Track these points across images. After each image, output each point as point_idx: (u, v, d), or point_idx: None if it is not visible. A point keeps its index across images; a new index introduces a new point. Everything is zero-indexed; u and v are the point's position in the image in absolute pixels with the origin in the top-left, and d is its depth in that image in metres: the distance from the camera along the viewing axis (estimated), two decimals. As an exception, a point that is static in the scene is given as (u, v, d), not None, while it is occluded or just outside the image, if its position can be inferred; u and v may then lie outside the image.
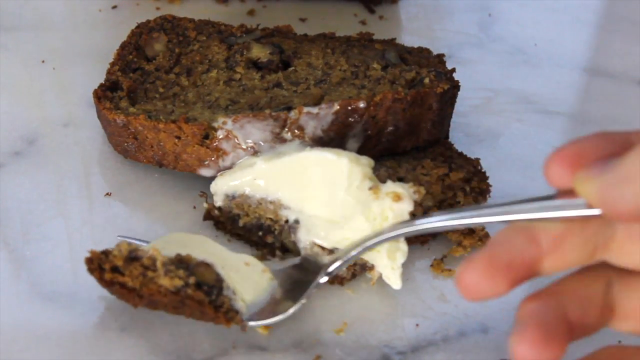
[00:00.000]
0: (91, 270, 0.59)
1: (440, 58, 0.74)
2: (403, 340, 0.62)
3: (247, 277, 0.61)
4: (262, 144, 0.65)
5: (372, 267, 0.63)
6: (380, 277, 0.64)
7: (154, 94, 0.71)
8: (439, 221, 0.56)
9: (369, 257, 0.63)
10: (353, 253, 0.61)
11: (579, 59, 0.86)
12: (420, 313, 0.64)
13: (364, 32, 0.77)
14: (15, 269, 0.65)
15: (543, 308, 0.49)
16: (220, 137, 0.65)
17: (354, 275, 0.65)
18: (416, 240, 0.68)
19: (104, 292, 0.63)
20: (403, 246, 0.62)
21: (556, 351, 0.47)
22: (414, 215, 0.66)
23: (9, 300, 0.63)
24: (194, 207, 0.69)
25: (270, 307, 0.61)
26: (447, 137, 0.72)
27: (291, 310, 0.61)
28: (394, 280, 0.62)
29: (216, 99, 0.69)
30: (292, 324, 0.62)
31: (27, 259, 0.65)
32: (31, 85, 0.78)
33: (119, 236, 0.65)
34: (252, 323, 0.60)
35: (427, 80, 0.69)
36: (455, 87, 0.70)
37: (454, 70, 0.71)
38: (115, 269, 0.58)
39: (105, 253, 0.59)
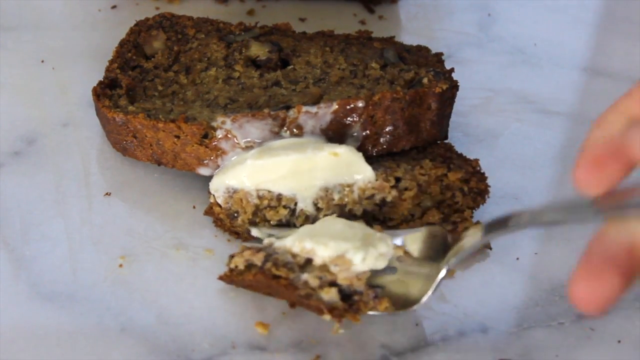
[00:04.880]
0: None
1: (438, 57, 0.74)
2: (402, 340, 0.62)
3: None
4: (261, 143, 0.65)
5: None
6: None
7: (152, 92, 0.71)
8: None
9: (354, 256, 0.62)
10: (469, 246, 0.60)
11: (578, 59, 0.86)
12: (420, 313, 0.64)
13: (363, 30, 0.76)
14: (15, 269, 0.65)
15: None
16: (220, 136, 0.65)
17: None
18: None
19: (104, 292, 0.63)
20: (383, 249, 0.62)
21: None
22: (412, 216, 0.67)
23: (9, 300, 0.63)
24: (194, 207, 0.69)
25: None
26: (446, 137, 0.71)
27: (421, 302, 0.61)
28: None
29: (215, 97, 0.69)
30: (292, 324, 0.62)
31: (26, 259, 0.65)
32: (31, 85, 0.78)
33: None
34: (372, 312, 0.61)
35: (425, 80, 0.68)
36: (454, 86, 0.70)
37: (452, 70, 0.71)
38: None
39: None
